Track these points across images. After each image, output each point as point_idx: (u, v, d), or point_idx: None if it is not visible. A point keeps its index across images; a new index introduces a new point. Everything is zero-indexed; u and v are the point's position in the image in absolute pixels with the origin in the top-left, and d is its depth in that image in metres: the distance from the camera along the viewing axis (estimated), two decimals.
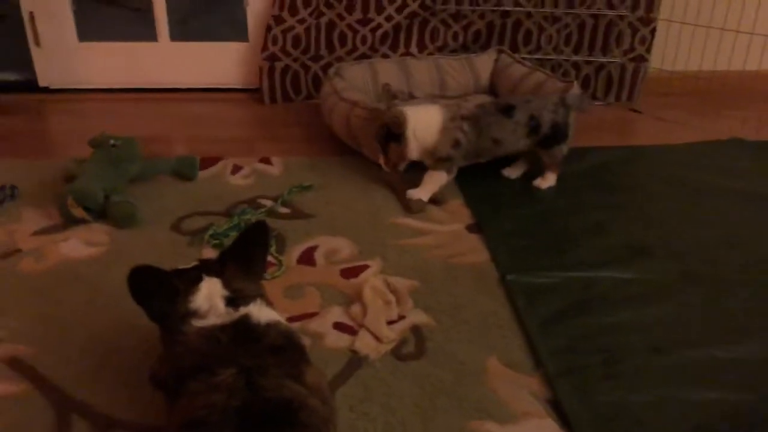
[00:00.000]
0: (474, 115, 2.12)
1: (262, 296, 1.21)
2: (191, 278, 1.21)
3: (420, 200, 2.11)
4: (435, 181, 2.14)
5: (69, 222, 1.98)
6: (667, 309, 1.68)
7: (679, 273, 1.83)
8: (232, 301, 1.15)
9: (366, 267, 1.83)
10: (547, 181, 2.27)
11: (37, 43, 3.00)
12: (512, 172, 2.35)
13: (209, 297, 1.16)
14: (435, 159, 2.12)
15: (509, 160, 2.34)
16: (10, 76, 3.16)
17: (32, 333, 1.56)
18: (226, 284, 1.18)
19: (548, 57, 3.03)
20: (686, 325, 1.64)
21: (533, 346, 1.53)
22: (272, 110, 2.99)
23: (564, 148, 2.23)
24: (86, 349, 1.51)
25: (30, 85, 3.08)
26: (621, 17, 2.94)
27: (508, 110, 2.15)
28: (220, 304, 1.15)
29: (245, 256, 1.25)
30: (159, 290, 1.18)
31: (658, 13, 2.93)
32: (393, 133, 2.08)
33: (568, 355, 1.51)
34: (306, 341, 1.22)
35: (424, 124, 2.09)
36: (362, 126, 2.33)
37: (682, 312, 1.68)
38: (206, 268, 1.24)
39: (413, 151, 2.11)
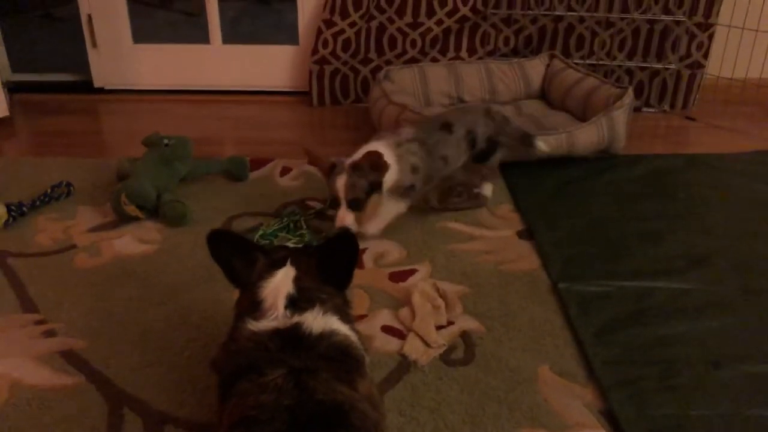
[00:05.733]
0: (417, 137, 1.95)
1: (330, 302, 1.17)
2: (275, 260, 1.21)
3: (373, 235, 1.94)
4: (392, 212, 1.94)
5: (122, 219, 2.01)
6: (726, 322, 1.62)
7: (739, 286, 1.76)
8: (293, 303, 1.14)
9: (414, 271, 1.82)
10: (487, 191, 2.16)
11: (94, 45, 3.07)
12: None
13: (276, 290, 1.15)
14: (400, 192, 1.91)
15: None
16: (66, 77, 3.25)
17: (86, 327, 1.58)
18: (298, 280, 1.17)
19: (601, 62, 2.98)
20: (746, 339, 1.58)
21: (586, 355, 1.50)
22: (321, 113, 3.01)
23: (499, 155, 2.12)
24: (138, 344, 1.53)
25: (86, 86, 3.16)
26: (677, 22, 2.87)
27: (447, 127, 2.01)
28: (281, 304, 1.14)
29: (327, 263, 1.22)
30: (237, 253, 1.21)
31: (717, 19, 2.85)
32: (376, 181, 1.83)
33: (623, 366, 1.47)
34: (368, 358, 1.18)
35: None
36: None
37: (742, 326, 1.62)
38: (292, 255, 1.23)
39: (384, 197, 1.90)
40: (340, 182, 1.81)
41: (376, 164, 1.80)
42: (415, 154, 1.92)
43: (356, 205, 1.82)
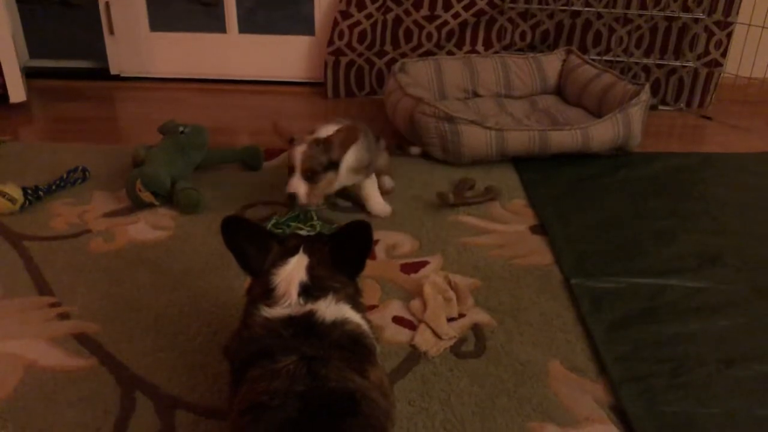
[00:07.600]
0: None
1: (342, 291, 1.18)
2: (288, 248, 1.21)
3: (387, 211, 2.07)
4: (374, 185, 2.06)
5: (137, 205, 2.02)
6: (738, 321, 1.62)
7: (751, 285, 1.76)
8: (306, 290, 1.15)
9: (426, 263, 1.82)
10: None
11: (111, 32, 3.08)
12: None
13: (289, 277, 1.16)
14: (364, 168, 2.00)
15: None
16: (83, 64, 3.27)
17: (100, 311, 1.60)
18: (311, 268, 1.17)
19: (618, 59, 2.96)
20: (758, 338, 1.57)
21: (597, 351, 1.49)
22: (335, 105, 3.01)
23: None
24: (151, 329, 1.54)
25: (102, 73, 3.17)
26: (696, 20, 2.85)
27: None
28: (294, 292, 1.14)
29: (340, 251, 1.21)
30: (251, 240, 1.20)
31: (737, 17, 2.82)
32: (335, 160, 1.88)
33: (634, 362, 1.47)
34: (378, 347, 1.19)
35: None
36: (426, 123, 2.32)
37: (754, 325, 1.61)
38: (305, 243, 1.24)
39: (342, 177, 1.94)
40: (298, 152, 1.83)
41: (347, 139, 1.85)
42: (368, 134, 2.04)
43: (311, 178, 1.84)
